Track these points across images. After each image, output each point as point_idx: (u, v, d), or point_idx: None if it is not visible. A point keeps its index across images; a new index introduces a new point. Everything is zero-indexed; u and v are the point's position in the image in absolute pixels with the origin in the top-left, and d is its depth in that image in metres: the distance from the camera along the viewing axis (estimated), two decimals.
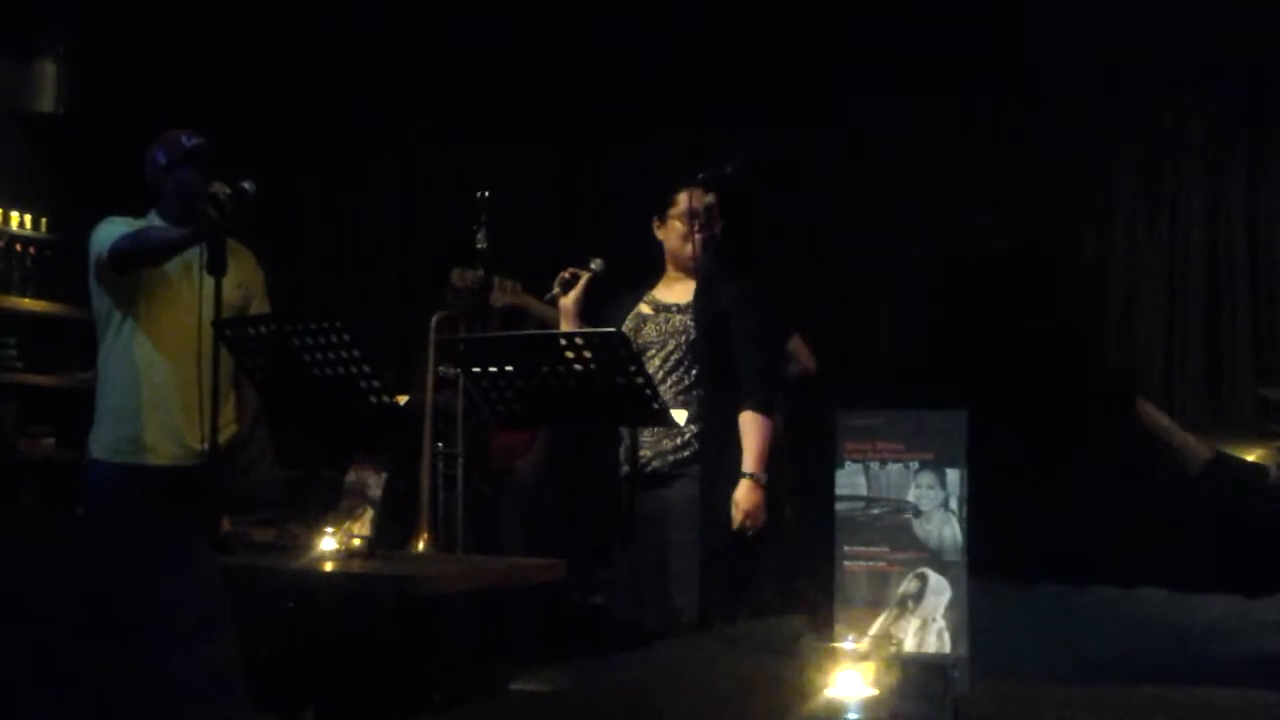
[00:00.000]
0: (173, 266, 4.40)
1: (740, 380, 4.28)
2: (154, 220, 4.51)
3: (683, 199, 4.50)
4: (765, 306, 4.44)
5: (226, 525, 4.07)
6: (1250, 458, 3.84)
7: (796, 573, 4.57)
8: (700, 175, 4.12)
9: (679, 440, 4.36)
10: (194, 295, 4.07)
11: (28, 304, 6.39)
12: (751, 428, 4.26)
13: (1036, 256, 4.89)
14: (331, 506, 4.15)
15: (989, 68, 5.68)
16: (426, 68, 6.56)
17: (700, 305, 4.35)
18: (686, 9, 6.00)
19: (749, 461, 4.23)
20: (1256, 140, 5.48)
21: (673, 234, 4.50)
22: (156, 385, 4.46)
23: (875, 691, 1.40)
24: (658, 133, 6.25)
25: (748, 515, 4.20)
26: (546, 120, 6.46)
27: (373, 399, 3.80)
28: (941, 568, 1.60)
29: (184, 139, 4.47)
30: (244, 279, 4.62)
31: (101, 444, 4.52)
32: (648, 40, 6.05)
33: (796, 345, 5.23)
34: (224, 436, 4.46)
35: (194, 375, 4.07)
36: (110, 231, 4.41)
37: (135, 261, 4.38)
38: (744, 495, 4.21)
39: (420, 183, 6.88)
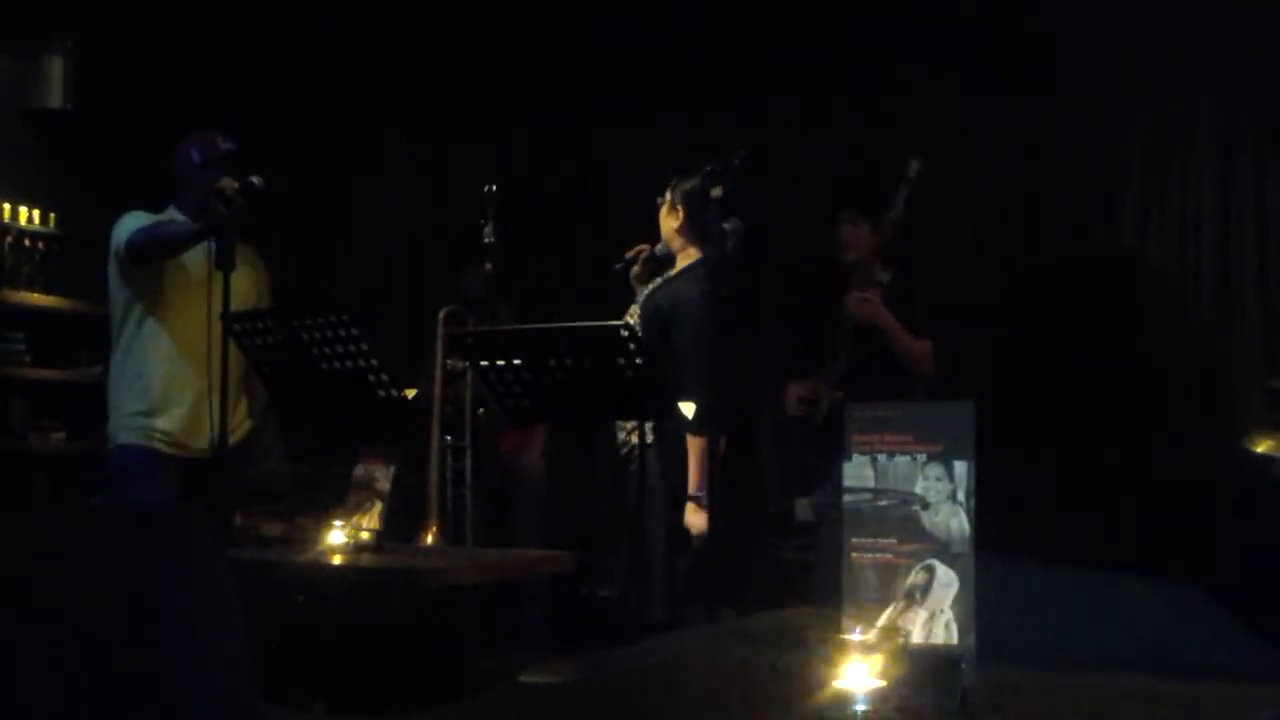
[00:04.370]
0: (194, 262, 4.41)
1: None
2: (173, 214, 4.54)
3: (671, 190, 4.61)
4: (709, 315, 4.35)
5: (239, 519, 4.09)
6: (1259, 449, 3.84)
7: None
8: (708, 168, 4.13)
9: (624, 433, 4.47)
10: (218, 291, 4.09)
11: (36, 299, 6.39)
12: (690, 449, 4.37)
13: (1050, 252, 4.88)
14: (340, 500, 4.16)
15: (994, 64, 5.66)
16: (428, 63, 6.56)
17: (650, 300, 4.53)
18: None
19: (691, 482, 4.36)
20: (1265, 133, 5.46)
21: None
22: (181, 379, 4.47)
23: (883, 683, 1.40)
24: (664, 126, 6.26)
25: (698, 535, 4.34)
26: (550, 114, 6.46)
27: (381, 392, 3.81)
28: (949, 560, 1.60)
29: (220, 142, 4.50)
30: (257, 279, 4.66)
31: (128, 431, 4.51)
32: (677, 32, 6.04)
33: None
34: (241, 433, 4.50)
35: (218, 370, 4.08)
36: (129, 225, 4.44)
37: (150, 255, 4.40)
38: (689, 517, 4.37)
39: (426, 176, 6.87)
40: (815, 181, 5.92)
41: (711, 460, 4.11)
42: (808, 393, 4.74)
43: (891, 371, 4.58)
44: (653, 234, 4.76)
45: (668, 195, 4.63)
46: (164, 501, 4.32)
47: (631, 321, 4.55)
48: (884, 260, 4.79)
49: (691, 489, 4.35)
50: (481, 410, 4.52)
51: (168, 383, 4.48)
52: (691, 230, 4.54)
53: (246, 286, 4.43)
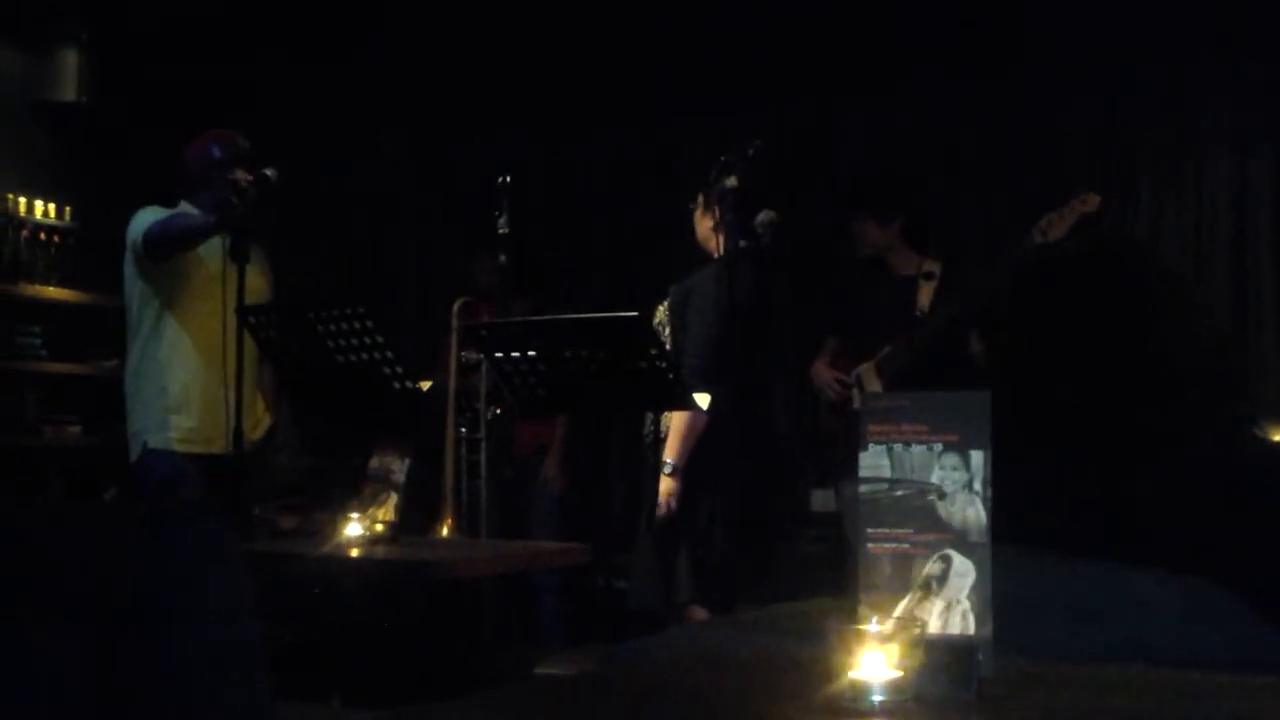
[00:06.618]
0: (210, 257, 4.42)
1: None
2: (187, 209, 4.56)
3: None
4: (707, 303, 4.41)
5: (256, 512, 4.11)
6: (1275, 438, 3.83)
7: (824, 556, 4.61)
8: (722, 158, 4.13)
9: (648, 426, 4.46)
10: (233, 286, 4.11)
11: (51, 292, 6.41)
12: (674, 421, 4.37)
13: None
14: (355, 492, 4.17)
15: (1005, 52, 5.64)
16: (443, 56, 6.56)
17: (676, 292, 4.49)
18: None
19: (667, 451, 4.37)
20: None
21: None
22: (201, 374, 4.48)
23: (900, 673, 1.40)
24: (678, 120, 6.25)
25: (661, 504, 4.39)
26: (565, 105, 6.45)
27: (396, 385, 3.81)
28: (966, 549, 1.59)
29: (240, 141, 4.55)
30: (266, 276, 4.68)
31: (155, 434, 4.51)
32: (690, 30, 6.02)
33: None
34: (262, 429, 4.53)
35: (234, 365, 4.09)
36: (145, 219, 4.47)
37: (167, 248, 4.42)
38: (660, 485, 4.39)
39: (440, 168, 6.87)
40: (831, 177, 5.94)
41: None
42: (846, 376, 4.74)
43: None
44: (669, 223, 4.74)
45: (699, 199, 4.62)
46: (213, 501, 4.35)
47: (660, 318, 4.56)
48: (932, 253, 4.93)
49: (667, 457, 4.37)
50: (498, 410, 4.53)
51: (188, 378, 4.49)
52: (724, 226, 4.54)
53: (259, 283, 4.44)
